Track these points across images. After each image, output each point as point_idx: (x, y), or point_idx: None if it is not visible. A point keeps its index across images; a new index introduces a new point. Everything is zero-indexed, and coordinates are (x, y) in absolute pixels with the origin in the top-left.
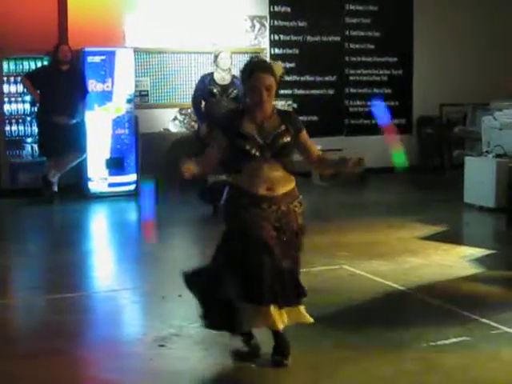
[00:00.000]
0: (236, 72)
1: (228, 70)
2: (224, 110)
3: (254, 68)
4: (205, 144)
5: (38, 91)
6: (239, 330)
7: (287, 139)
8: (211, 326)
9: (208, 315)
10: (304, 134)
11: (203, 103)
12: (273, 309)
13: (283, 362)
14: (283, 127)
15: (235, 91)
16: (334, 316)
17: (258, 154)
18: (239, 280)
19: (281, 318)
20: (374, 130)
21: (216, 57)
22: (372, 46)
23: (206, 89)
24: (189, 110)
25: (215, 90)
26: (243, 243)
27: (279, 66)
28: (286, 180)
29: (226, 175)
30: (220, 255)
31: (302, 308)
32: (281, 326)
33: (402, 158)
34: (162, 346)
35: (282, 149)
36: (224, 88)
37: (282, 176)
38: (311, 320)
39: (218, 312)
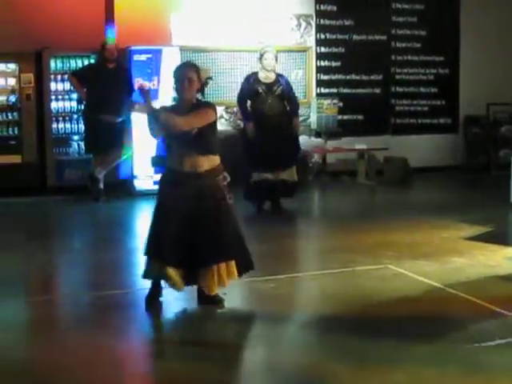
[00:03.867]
0: (281, 70)
1: (272, 70)
2: (271, 109)
3: (181, 65)
4: (251, 143)
5: (85, 89)
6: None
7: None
8: None
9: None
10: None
11: (249, 102)
12: (173, 271)
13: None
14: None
15: (280, 88)
16: (376, 315)
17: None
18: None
19: (183, 280)
20: (420, 129)
21: (261, 55)
22: (418, 45)
23: (251, 88)
24: (235, 109)
25: (260, 90)
26: (163, 213)
27: (205, 71)
28: (207, 159)
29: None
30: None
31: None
32: (181, 288)
33: None
34: None
35: (196, 135)
36: (269, 86)
37: (203, 156)
38: (236, 276)
39: None
